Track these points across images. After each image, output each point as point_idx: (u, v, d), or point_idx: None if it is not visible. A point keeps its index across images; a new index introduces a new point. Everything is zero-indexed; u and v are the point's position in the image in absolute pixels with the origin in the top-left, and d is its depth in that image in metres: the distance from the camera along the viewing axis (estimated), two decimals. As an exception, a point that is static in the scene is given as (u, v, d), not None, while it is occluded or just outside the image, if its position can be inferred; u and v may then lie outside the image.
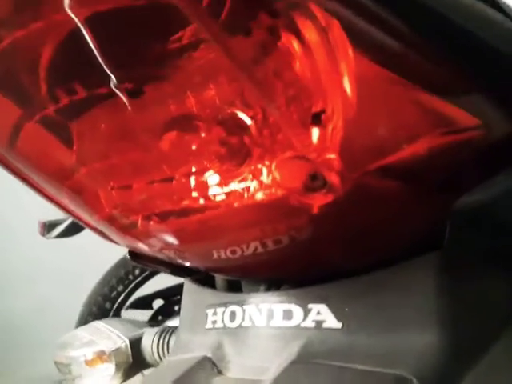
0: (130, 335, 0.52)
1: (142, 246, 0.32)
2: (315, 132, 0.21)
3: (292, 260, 0.28)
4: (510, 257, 0.25)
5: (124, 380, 0.53)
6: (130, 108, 0.28)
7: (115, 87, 0.25)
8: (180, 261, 0.34)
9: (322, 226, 0.24)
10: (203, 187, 0.28)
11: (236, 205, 0.26)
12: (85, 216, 0.32)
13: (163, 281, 1.44)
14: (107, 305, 1.38)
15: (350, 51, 0.19)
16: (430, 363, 0.23)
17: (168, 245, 0.31)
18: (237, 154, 0.26)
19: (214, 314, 0.32)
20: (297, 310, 0.27)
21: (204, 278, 0.39)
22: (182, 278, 0.40)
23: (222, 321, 0.31)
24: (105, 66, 0.23)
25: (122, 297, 1.40)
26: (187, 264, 0.35)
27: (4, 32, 0.22)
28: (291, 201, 0.22)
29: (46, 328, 1.75)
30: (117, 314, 1.41)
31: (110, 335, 0.52)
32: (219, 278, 0.39)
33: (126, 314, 1.46)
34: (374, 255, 0.26)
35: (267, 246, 0.27)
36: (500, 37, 0.23)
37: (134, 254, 0.38)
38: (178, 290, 1.45)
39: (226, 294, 0.32)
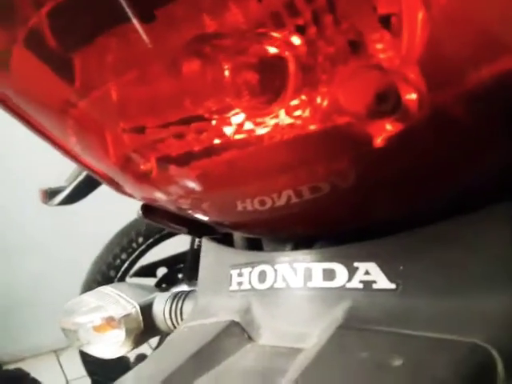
0: (141, 300, 0.49)
1: (159, 195, 0.28)
2: (389, 36, 0.16)
3: (333, 212, 0.24)
4: None
5: (135, 347, 0.50)
6: (143, 35, 0.24)
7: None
8: (199, 215, 0.30)
9: (379, 165, 0.20)
10: (230, 123, 0.24)
11: (267, 141, 0.22)
12: (94, 162, 0.28)
13: (167, 249, 1.42)
14: (111, 273, 1.37)
15: None
16: (507, 330, 0.20)
17: (188, 193, 0.27)
18: (269, 84, 0.21)
19: (240, 274, 0.28)
20: (340, 269, 0.24)
21: (221, 238, 0.35)
22: (198, 237, 0.36)
23: (250, 282, 0.27)
24: None
25: (125, 265, 1.38)
26: (206, 219, 0.30)
27: None
28: (347, 130, 0.18)
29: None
30: (121, 281, 1.39)
31: (118, 300, 0.49)
32: (239, 237, 0.35)
33: (130, 281, 1.45)
34: (435, 203, 0.22)
35: (303, 195, 0.23)
36: None
37: (148, 209, 0.34)
38: (181, 258, 1.43)
39: (254, 253, 0.28)
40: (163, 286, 1.46)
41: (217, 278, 0.30)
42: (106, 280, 1.36)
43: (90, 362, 1.33)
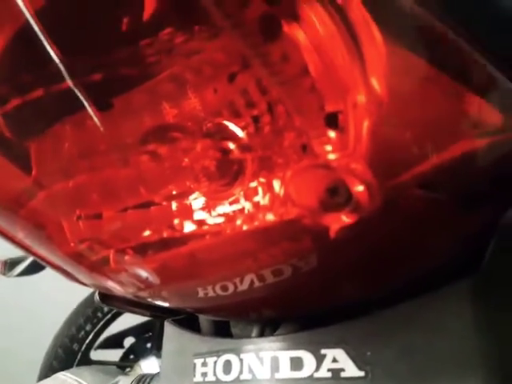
0: (102, 387, 0.46)
1: (115, 287, 0.27)
2: (335, 135, 0.16)
3: (297, 295, 0.24)
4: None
5: None
6: (98, 123, 0.24)
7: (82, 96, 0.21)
8: (159, 302, 0.29)
9: (337, 252, 0.19)
10: (187, 212, 0.23)
11: (228, 232, 0.22)
12: (44, 252, 0.27)
13: (134, 317, 1.37)
14: (75, 346, 1.29)
15: (377, 34, 0.16)
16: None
17: (145, 284, 0.26)
18: (227, 169, 0.21)
19: (204, 364, 0.27)
20: (308, 358, 0.23)
21: (186, 319, 0.34)
22: (161, 320, 0.34)
23: (215, 373, 0.26)
24: (59, 63, 0.19)
25: (90, 336, 1.31)
26: (167, 305, 0.29)
27: None
28: (301, 223, 0.18)
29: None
30: (85, 355, 1.32)
31: (77, 388, 0.46)
32: (204, 319, 0.34)
33: (96, 354, 1.37)
34: (397, 286, 0.22)
35: (265, 278, 0.22)
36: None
37: (105, 296, 0.33)
38: (150, 327, 1.37)
39: (218, 340, 0.27)
40: (131, 357, 1.39)
41: (180, 367, 0.29)
42: (69, 354, 1.29)
43: None
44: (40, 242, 0.26)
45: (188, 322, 0.33)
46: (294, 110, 0.17)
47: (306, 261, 0.20)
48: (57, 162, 0.25)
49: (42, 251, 0.27)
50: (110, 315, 1.31)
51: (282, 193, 0.18)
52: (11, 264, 1.20)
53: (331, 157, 0.16)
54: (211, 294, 0.24)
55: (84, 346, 1.30)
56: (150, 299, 0.28)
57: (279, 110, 0.18)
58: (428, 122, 0.17)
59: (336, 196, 0.17)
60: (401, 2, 0.15)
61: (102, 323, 1.31)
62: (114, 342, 1.40)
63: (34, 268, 1.12)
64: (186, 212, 0.23)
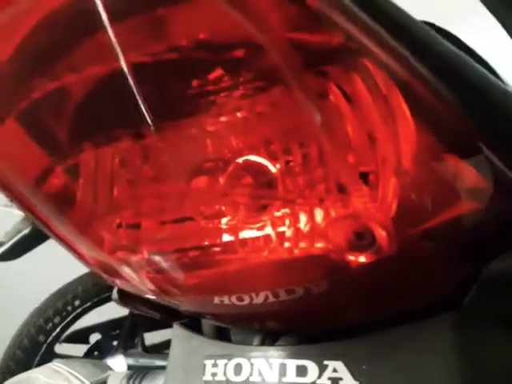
0: (93, 380, 0.49)
1: (143, 290, 0.30)
2: (367, 190, 0.21)
3: (306, 313, 0.28)
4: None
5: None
6: (157, 146, 0.27)
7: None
8: (175, 305, 0.32)
9: (349, 282, 0.24)
10: (220, 233, 0.27)
11: (256, 257, 0.25)
12: (87, 251, 0.30)
13: (101, 314, 1.37)
14: (41, 337, 1.29)
15: (411, 122, 0.20)
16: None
17: (172, 292, 0.29)
18: (263, 195, 0.25)
19: (215, 365, 0.30)
20: (312, 366, 0.27)
21: (190, 323, 0.37)
22: (171, 322, 0.38)
23: (225, 373, 0.29)
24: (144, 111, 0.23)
25: (57, 329, 1.31)
26: (182, 308, 0.33)
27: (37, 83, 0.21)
28: (328, 257, 0.22)
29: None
30: (50, 348, 1.31)
31: (69, 379, 0.48)
32: (207, 324, 0.37)
33: (60, 347, 1.37)
34: (394, 312, 0.26)
35: (279, 295, 0.26)
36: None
37: (122, 296, 0.36)
38: (117, 325, 1.38)
39: (229, 345, 0.31)
40: (95, 353, 1.39)
41: (189, 366, 0.32)
42: (34, 345, 1.28)
43: None
44: (86, 243, 0.29)
45: (194, 325, 0.36)
46: (338, 164, 0.21)
47: (319, 285, 0.25)
48: (107, 175, 0.28)
49: (85, 250, 0.30)
50: (80, 310, 1.31)
51: (315, 228, 0.22)
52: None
53: (363, 206, 0.20)
54: (227, 302, 0.28)
55: (50, 338, 1.30)
56: (167, 302, 0.31)
57: (313, 162, 0.22)
58: (436, 188, 0.22)
59: (362, 239, 0.21)
60: (429, 98, 0.20)
61: (70, 317, 1.30)
62: (80, 337, 1.40)
63: (14, 253, 1.12)
64: (219, 232, 0.27)
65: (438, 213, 0.22)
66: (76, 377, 0.49)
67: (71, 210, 0.29)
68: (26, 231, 1.04)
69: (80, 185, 0.28)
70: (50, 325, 1.30)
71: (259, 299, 0.27)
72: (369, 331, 0.27)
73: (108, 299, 1.36)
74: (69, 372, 0.50)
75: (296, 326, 0.29)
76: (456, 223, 0.22)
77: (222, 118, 0.26)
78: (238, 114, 0.25)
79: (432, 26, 0.41)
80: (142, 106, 0.22)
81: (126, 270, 0.29)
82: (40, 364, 1.31)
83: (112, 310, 1.37)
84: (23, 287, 1.62)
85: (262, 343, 0.31)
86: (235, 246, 0.26)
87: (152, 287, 0.30)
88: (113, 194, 0.29)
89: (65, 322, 1.32)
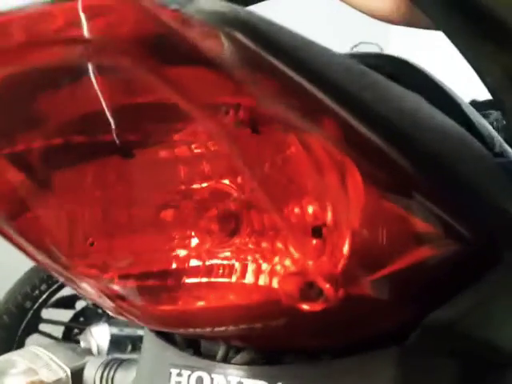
0: (72, 365, 0.51)
1: (100, 302, 0.32)
2: (316, 244, 0.22)
3: (261, 337, 0.30)
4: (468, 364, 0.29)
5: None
6: (120, 167, 0.29)
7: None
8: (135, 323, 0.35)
9: (303, 323, 0.26)
10: (185, 260, 0.29)
11: (215, 301, 0.27)
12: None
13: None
14: (27, 304, 1.32)
15: (361, 182, 0.21)
16: None
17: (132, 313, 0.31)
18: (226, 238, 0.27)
19: (179, 375, 0.33)
20: (266, 387, 0.29)
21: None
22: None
23: (188, 384, 0.32)
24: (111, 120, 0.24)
25: (44, 296, 1.34)
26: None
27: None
28: (283, 303, 0.24)
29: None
30: (37, 313, 1.35)
31: (49, 363, 0.51)
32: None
33: (47, 312, 1.40)
34: (342, 344, 0.29)
35: (241, 328, 0.28)
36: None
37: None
38: (103, 292, 1.41)
39: (193, 358, 0.33)
40: (80, 319, 1.43)
41: (156, 372, 0.35)
42: (21, 310, 1.32)
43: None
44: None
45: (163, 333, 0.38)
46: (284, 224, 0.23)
47: (275, 322, 0.27)
48: (80, 193, 0.30)
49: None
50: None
51: (267, 280, 0.24)
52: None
53: (307, 261, 0.22)
54: (190, 331, 0.30)
55: (37, 304, 1.33)
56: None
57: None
58: (387, 242, 0.23)
59: (312, 289, 0.23)
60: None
61: (57, 285, 1.33)
62: (66, 302, 1.44)
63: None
64: (184, 260, 0.29)
65: (389, 262, 0.24)
66: (55, 362, 0.51)
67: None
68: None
69: (52, 204, 0.30)
70: (37, 292, 1.33)
71: (221, 328, 0.29)
72: (321, 358, 0.29)
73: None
74: (49, 357, 0.52)
75: (251, 345, 0.31)
76: (410, 270, 0.24)
77: (193, 147, 0.27)
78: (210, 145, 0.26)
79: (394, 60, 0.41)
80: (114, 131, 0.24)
81: (87, 287, 0.31)
82: (27, 328, 1.35)
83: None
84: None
85: (226, 355, 0.34)
86: (200, 275, 0.28)
87: (111, 307, 0.32)
88: (84, 214, 0.30)
89: (51, 289, 1.35)
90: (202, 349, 0.36)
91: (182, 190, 0.29)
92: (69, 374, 0.51)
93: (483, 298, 0.27)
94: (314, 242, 0.23)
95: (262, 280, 0.24)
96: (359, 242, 0.22)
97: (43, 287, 1.31)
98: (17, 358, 0.52)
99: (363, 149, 0.21)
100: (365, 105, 0.21)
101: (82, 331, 1.31)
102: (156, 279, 0.29)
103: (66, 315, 1.46)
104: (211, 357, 0.33)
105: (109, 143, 0.26)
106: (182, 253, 0.29)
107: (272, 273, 0.24)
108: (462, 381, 0.29)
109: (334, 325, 0.26)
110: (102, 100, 0.23)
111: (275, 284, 0.24)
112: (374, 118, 0.21)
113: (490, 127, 0.41)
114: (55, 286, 1.32)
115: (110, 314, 0.35)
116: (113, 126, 0.25)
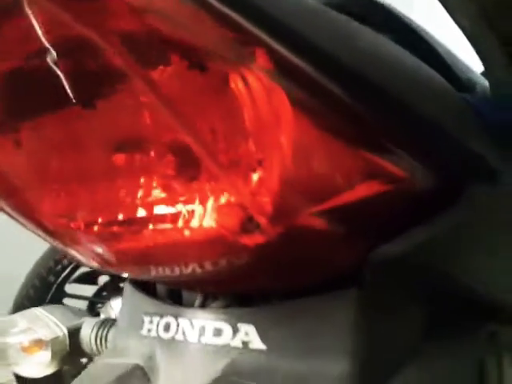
0: (69, 324, 0.53)
1: (80, 258, 0.33)
2: (249, 177, 0.22)
3: (228, 280, 0.30)
4: (423, 297, 0.28)
5: (62, 367, 0.54)
6: (82, 118, 0.29)
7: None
8: (116, 272, 0.35)
9: (256, 259, 0.25)
10: (147, 205, 0.29)
11: (175, 237, 0.27)
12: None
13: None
14: (51, 278, 1.36)
15: (290, 110, 0.21)
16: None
17: (105, 262, 0.32)
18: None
19: (151, 322, 0.33)
20: (227, 329, 0.29)
21: (145, 283, 0.40)
22: (120, 281, 0.41)
23: (157, 330, 0.32)
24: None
25: (67, 270, 1.38)
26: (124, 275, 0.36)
27: None
28: (229, 239, 0.24)
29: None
30: (61, 288, 1.39)
31: (48, 323, 0.53)
32: (160, 285, 0.40)
33: (70, 287, 1.44)
34: (300, 285, 0.28)
35: (205, 267, 0.28)
36: (429, 100, 0.25)
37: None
38: (125, 267, 1.45)
39: (163, 305, 0.33)
40: (104, 293, 1.47)
41: (132, 320, 0.35)
42: (44, 285, 1.36)
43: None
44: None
45: (145, 284, 0.39)
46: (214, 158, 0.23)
47: (237, 259, 0.26)
48: (44, 147, 0.30)
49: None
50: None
51: (208, 218, 0.24)
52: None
53: (243, 195, 0.22)
54: (161, 273, 0.30)
55: (60, 278, 1.37)
56: (108, 270, 0.34)
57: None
58: (326, 173, 0.23)
59: (251, 223, 0.23)
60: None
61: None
62: (89, 277, 1.47)
63: None
64: (146, 204, 0.29)
65: (332, 195, 0.23)
66: (54, 322, 0.53)
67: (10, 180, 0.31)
68: None
69: (18, 157, 0.30)
70: (60, 266, 1.37)
71: (188, 270, 0.29)
72: (280, 300, 0.29)
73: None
74: (48, 318, 0.54)
75: (221, 290, 0.32)
76: (358, 204, 0.23)
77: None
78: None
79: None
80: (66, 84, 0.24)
81: (67, 240, 0.32)
82: (52, 302, 1.40)
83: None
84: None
85: (204, 301, 0.34)
86: (150, 221, 0.28)
87: (90, 257, 0.32)
88: (50, 164, 0.31)
89: (73, 264, 1.38)
90: (184, 300, 0.36)
91: (141, 137, 0.29)
92: (66, 332, 0.53)
93: (441, 230, 0.26)
94: (252, 176, 0.22)
95: (208, 218, 0.24)
96: (292, 175, 0.22)
97: (66, 262, 1.35)
98: (18, 319, 0.54)
99: (294, 77, 0.21)
100: (294, 33, 0.21)
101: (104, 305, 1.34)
102: (112, 228, 0.30)
103: (90, 291, 1.50)
104: (189, 305, 0.33)
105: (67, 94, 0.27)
106: (132, 201, 0.29)
107: (217, 210, 0.24)
108: (424, 317, 0.28)
109: (284, 261, 0.25)
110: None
111: (220, 221, 0.23)
112: (303, 45, 0.21)
113: (475, 73, 0.39)
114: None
115: (90, 264, 0.35)
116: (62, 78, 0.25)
